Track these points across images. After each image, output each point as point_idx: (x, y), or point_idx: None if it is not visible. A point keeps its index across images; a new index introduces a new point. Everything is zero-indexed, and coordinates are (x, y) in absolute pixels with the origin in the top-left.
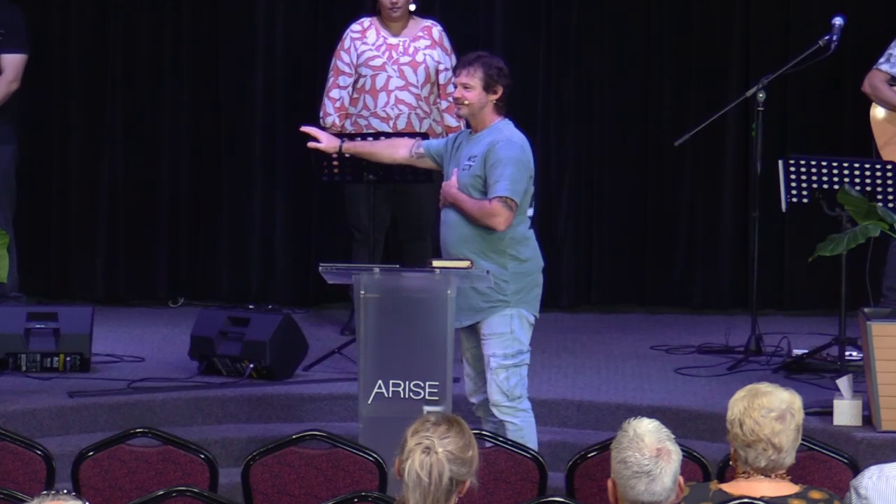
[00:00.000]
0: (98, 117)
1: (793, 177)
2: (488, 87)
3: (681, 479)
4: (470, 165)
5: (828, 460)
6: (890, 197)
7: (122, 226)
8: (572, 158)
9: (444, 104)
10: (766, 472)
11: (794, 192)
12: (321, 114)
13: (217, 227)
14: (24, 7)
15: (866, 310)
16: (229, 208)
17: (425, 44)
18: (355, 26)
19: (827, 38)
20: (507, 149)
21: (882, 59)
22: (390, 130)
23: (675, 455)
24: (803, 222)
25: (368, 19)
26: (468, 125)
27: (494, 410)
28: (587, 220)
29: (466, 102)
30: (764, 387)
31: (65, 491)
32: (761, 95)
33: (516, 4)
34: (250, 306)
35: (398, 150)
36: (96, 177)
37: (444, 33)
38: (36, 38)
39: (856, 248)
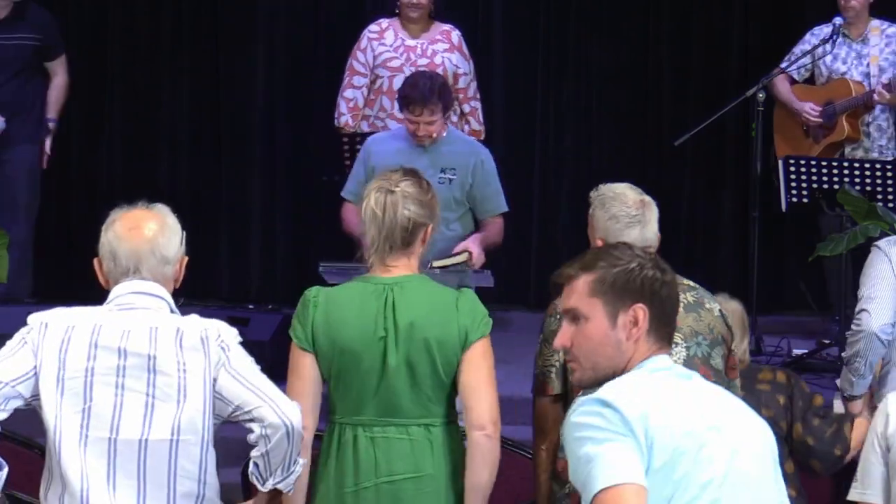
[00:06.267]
0: (98, 117)
1: (793, 177)
2: (446, 111)
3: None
4: (451, 179)
5: None
6: (890, 197)
7: None
8: (572, 158)
9: (466, 108)
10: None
11: (794, 192)
12: (335, 114)
13: (217, 226)
14: None
15: None
16: (229, 208)
17: (444, 47)
18: (373, 27)
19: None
20: (491, 161)
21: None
22: None
23: (653, 205)
24: (803, 222)
25: (387, 20)
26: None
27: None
28: (587, 220)
29: (434, 136)
30: None
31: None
32: (761, 95)
33: (516, 5)
34: (250, 306)
35: None
36: (96, 177)
37: (462, 38)
38: None
39: (855, 248)
